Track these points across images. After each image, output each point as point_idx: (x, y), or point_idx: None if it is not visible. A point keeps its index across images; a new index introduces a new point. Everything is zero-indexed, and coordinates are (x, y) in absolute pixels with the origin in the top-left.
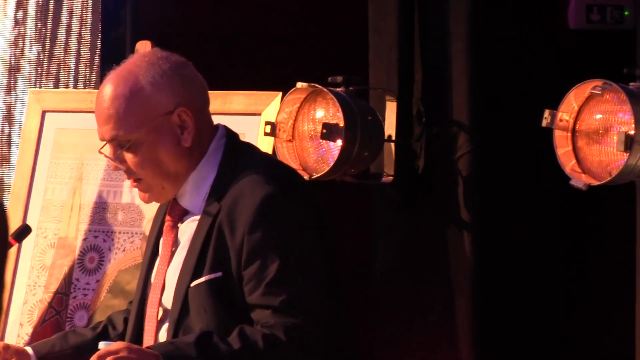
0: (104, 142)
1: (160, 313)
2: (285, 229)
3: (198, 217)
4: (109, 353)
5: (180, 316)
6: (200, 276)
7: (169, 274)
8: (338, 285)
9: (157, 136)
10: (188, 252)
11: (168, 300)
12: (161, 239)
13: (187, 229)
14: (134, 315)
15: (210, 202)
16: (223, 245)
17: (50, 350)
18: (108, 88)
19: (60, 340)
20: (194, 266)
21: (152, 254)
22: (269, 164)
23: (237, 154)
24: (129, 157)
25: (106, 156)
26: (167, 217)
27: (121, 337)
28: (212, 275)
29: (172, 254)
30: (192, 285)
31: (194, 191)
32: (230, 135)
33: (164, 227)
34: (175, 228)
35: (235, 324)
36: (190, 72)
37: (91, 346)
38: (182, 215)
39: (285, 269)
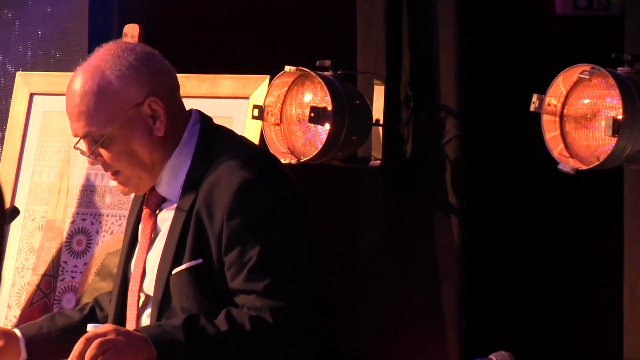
0: (78, 138)
1: (142, 300)
2: (263, 214)
3: (176, 204)
4: (96, 335)
5: (162, 303)
6: (180, 263)
7: (149, 261)
8: (318, 268)
9: (130, 129)
10: (167, 240)
11: (149, 286)
12: (140, 227)
13: (166, 216)
14: (114, 304)
15: (187, 189)
16: (202, 232)
17: (38, 332)
18: (77, 84)
19: (47, 322)
20: (174, 253)
21: (131, 242)
22: (245, 148)
23: (212, 139)
24: (103, 151)
25: (82, 152)
26: (145, 205)
27: (108, 319)
28: (193, 263)
29: (152, 241)
30: (173, 272)
31: (171, 179)
32: (205, 120)
33: (142, 215)
34: (153, 216)
35: (217, 309)
36: (157, 61)
37: (79, 328)
38: (159, 202)
39: (266, 254)
